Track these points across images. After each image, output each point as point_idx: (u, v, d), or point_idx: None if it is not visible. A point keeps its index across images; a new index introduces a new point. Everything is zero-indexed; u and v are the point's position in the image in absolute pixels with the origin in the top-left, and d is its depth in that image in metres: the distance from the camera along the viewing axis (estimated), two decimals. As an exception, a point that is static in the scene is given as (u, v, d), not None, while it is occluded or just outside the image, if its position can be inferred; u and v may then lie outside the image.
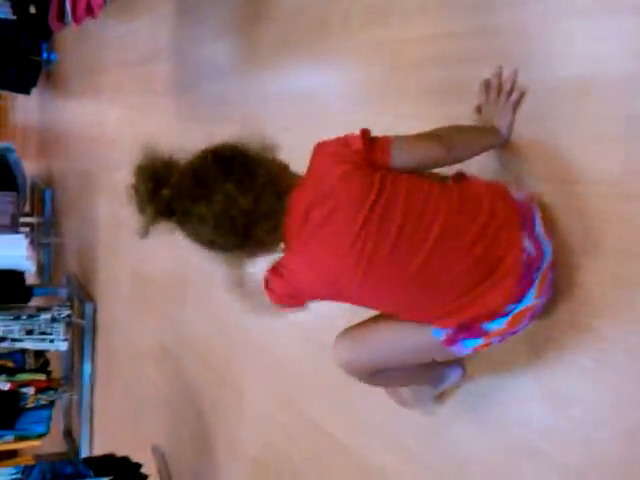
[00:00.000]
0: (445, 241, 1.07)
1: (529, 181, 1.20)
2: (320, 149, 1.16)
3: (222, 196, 1.07)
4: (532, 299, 1.07)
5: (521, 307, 1.07)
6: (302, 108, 1.94)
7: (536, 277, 1.07)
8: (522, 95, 1.21)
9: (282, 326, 2.03)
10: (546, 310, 1.14)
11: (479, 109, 1.29)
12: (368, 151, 1.11)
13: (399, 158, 1.13)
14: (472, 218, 1.08)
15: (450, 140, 1.18)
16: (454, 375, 1.35)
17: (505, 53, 1.25)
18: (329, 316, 1.78)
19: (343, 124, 1.70)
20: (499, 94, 1.24)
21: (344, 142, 1.13)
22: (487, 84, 1.27)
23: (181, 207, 1.10)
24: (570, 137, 1.13)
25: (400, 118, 1.50)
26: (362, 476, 1.67)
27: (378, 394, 1.47)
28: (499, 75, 1.25)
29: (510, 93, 1.23)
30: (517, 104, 1.22)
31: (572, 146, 1.12)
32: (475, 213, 1.08)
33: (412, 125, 1.42)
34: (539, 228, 1.09)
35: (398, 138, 1.16)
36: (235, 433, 2.38)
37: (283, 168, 1.16)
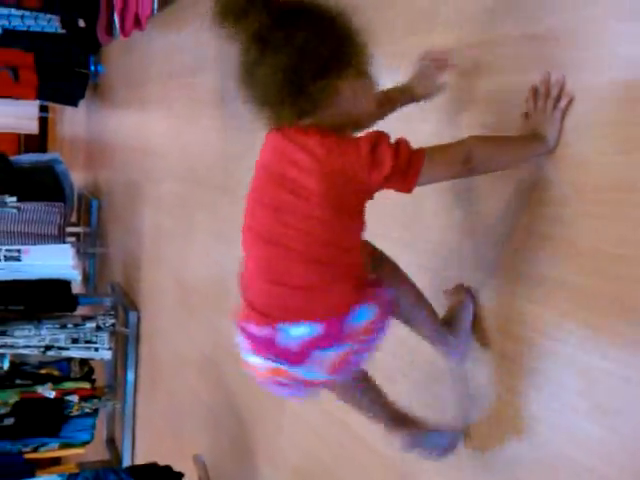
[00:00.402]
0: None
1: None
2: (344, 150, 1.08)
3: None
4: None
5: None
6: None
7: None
8: (571, 101, 1.18)
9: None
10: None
11: (526, 116, 1.25)
12: (389, 181, 1.08)
13: (422, 179, 1.10)
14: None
15: (474, 155, 1.14)
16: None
17: (554, 59, 1.21)
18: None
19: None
20: (546, 101, 1.20)
21: (371, 160, 1.06)
22: (534, 91, 1.23)
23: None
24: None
25: (444, 126, 1.47)
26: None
27: (418, 406, 1.44)
28: (547, 81, 1.21)
29: (558, 99, 1.18)
30: (565, 111, 1.18)
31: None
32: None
33: (455, 134, 1.40)
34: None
35: (428, 157, 1.10)
36: (276, 442, 2.37)
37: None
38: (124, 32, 2.49)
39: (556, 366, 1.19)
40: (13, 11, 5.51)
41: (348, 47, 1.10)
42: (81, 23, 5.08)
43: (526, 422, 1.25)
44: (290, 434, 2.25)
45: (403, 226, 1.64)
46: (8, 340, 3.73)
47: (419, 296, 1.29)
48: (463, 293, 1.37)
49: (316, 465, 2.08)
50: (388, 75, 1.47)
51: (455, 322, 1.34)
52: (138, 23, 2.38)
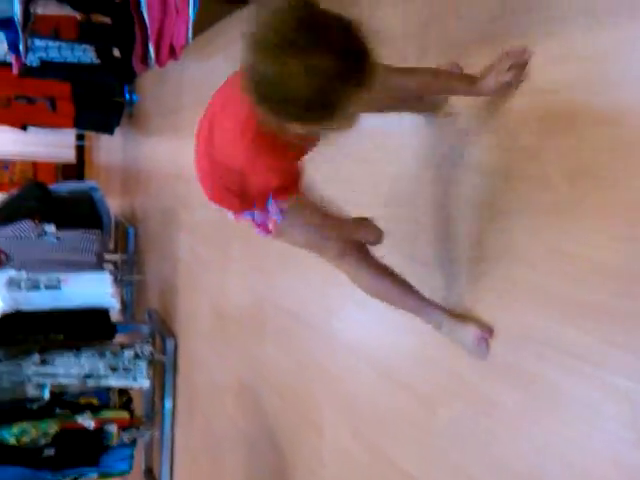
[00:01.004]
0: None
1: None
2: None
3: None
4: None
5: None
6: (378, 142, 1.89)
7: None
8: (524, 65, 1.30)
9: (358, 362, 1.98)
10: None
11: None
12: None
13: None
14: None
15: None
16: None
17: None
18: (405, 355, 1.71)
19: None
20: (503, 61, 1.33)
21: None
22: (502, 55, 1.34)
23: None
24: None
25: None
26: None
27: (457, 433, 1.39)
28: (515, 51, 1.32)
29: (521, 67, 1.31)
30: (518, 76, 1.32)
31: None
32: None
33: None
34: None
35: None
36: (314, 471, 2.33)
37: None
38: (160, 62, 2.51)
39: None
40: (50, 43, 5.62)
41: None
42: (116, 53, 5.15)
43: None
44: (330, 465, 2.20)
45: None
46: (48, 369, 3.74)
47: None
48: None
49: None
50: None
51: None
52: (173, 53, 2.39)
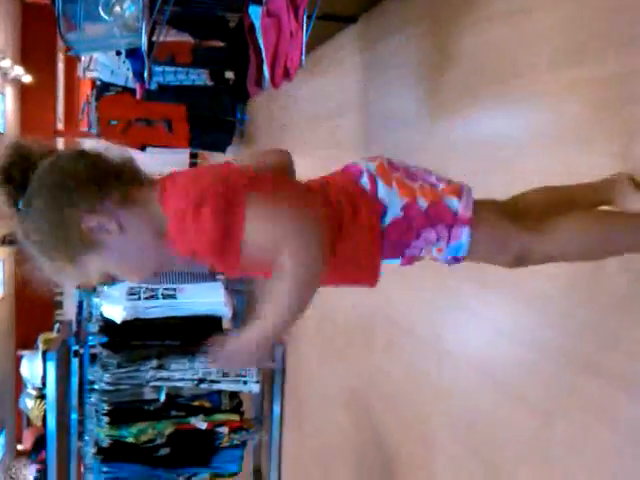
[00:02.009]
0: None
1: None
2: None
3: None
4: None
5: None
6: (490, 153, 1.93)
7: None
8: None
9: (469, 373, 2.00)
10: None
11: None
12: None
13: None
14: None
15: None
16: None
17: None
18: (520, 366, 1.72)
19: (536, 169, 1.69)
20: None
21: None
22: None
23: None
24: None
25: (597, 158, 1.45)
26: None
27: (581, 453, 1.38)
28: None
29: None
30: None
31: None
32: None
33: (610, 164, 1.38)
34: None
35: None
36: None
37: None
38: (274, 84, 2.65)
39: None
40: (167, 68, 5.95)
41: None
42: (230, 75, 5.39)
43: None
44: (440, 478, 2.21)
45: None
46: (165, 374, 3.95)
47: None
48: None
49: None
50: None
51: None
52: (287, 74, 2.54)
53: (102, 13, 3.19)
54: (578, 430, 1.49)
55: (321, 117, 3.76)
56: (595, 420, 1.44)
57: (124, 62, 5.44)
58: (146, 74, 3.94)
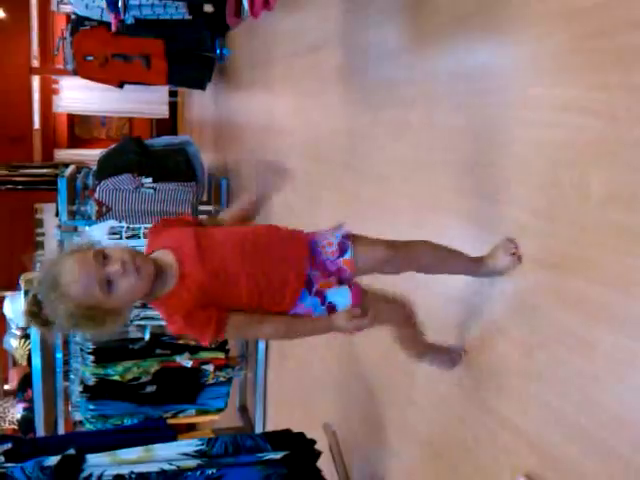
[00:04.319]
0: None
1: None
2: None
3: None
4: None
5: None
6: (476, 85, 1.89)
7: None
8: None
9: (439, 297, 2.01)
10: None
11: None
12: None
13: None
14: None
15: None
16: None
17: None
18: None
19: (521, 99, 1.66)
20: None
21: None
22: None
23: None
24: None
25: (585, 90, 1.42)
26: (543, 464, 1.63)
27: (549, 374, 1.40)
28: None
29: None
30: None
31: None
32: None
33: (599, 97, 1.35)
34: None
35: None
36: (405, 415, 2.40)
37: None
38: (254, 13, 2.57)
39: None
40: (143, 1, 5.76)
41: None
42: (208, 8, 5.24)
43: None
44: (421, 407, 2.26)
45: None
46: (149, 312, 3.95)
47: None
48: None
49: (448, 440, 2.08)
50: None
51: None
52: (267, 3, 2.45)
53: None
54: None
55: (302, 51, 3.67)
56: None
57: (97, -8, 5.26)
58: (120, 2, 3.81)
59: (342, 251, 1.61)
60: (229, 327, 1.51)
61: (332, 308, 1.58)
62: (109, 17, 5.11)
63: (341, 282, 1.60)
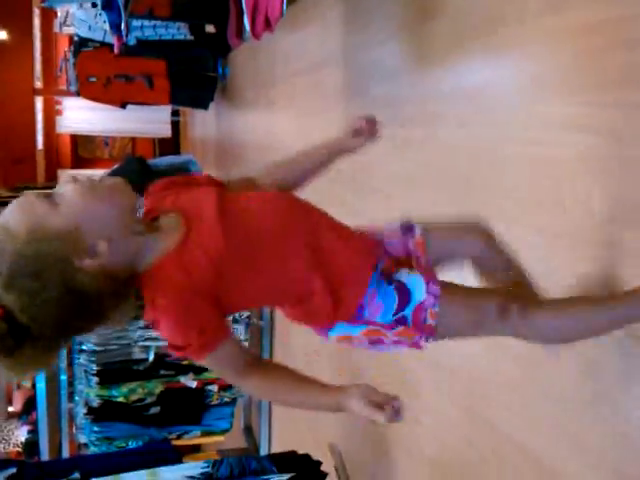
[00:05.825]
0: None
1: None
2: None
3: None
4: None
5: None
6: (479, 104, 1.89)
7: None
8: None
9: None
10: None
11: None
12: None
13: None
14: None
15: None
16: None
17: None
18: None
19: (524, 118, 1.65)
20: None
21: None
22: None
23: None
24: None
25: (585, 107, 1.42)
26: (540, 477, 1.61)
27: (555, 393, 1.40)
28: None
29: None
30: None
31: None
32: None
33: (599, 114, 1.35)
34: None
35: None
36: (411, 433, 2.38)
37: None
38: (255, 34, 2.58)
39: None
40: (145, 22, 5.82)
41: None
42: (210, 29, 5.28)
43: None
44: (427, 426, 2.25)
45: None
46: (153, 333, 3.94)
47: None
48: None
49: (454, 458, 2.07)
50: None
51: None
52: (268, 25, 2.46)
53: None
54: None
55: (303, 70, 3.69)
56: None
57: (100, 14, 5.30)
58: (123, 25, 3.85)
59: (408, 229, 1.29)
60: (218, 351, 1.11)
61: (404, 292, 1.21)
62: (112, 38, 5.15)
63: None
